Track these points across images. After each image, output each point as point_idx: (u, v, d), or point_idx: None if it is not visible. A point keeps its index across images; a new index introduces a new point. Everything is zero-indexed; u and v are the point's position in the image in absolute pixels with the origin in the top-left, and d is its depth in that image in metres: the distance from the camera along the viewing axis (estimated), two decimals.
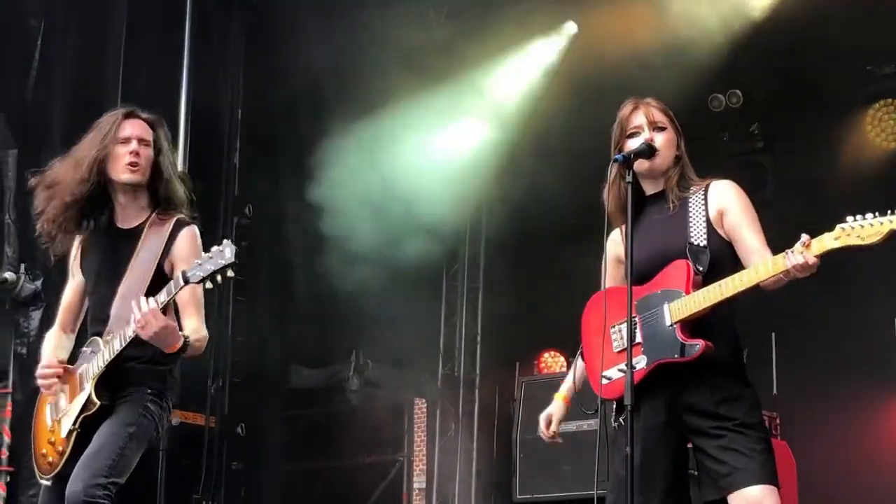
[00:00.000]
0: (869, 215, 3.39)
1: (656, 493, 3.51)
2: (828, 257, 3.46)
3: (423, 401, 10.16)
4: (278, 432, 9.77)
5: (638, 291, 3.68)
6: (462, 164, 9.08)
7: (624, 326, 3.61)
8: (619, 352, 3.68)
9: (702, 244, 3.69)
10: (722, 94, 9.49)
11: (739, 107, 9.48)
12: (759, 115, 9.76)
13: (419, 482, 9.97)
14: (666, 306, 3.63)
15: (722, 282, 3.57)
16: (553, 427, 3.96)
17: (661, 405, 3.60)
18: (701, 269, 3.64)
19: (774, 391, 9.63)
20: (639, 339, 3.64)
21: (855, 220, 3.41)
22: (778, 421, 8.91)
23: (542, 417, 4.00)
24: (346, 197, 8.57)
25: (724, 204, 3.74)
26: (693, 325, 3.62)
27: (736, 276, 3.56)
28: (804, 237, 3.44)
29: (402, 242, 8.57)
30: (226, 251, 3.73)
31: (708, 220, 3.72)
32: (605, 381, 3.65)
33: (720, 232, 3.73)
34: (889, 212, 3.38)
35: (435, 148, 9.00)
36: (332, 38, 8.60)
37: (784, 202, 8.58)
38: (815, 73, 8.95)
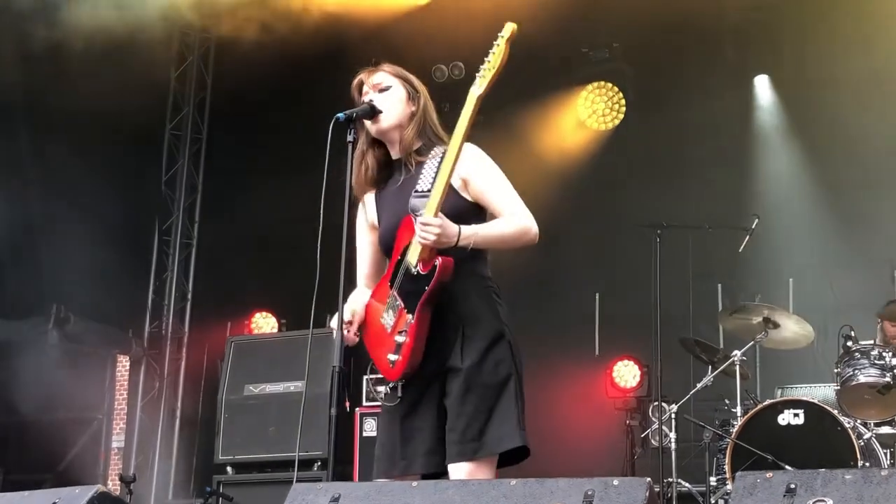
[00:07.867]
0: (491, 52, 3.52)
1: (418, 456, 3.47)
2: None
3: (126, 358, 9.82)
4: None
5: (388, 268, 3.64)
6: None
7: (391, 310, 3.58)
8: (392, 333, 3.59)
9: (426, 189, 3.61)
10: (445, 65, 9.61)
11: (462, 78, 9.62)
12: None
13: (118, 441, 9.64)
14: (406, 260, 3.55)
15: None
16: (354, 327, 3.64)
17: (425, 369, 3.52)
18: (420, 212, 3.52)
19: None
20: (402, 304, 3.55)
21: (479, 70, 3.53)
22: None
23: (348, 311, 3.62)
24: None
25: (468, 172, 3.65)
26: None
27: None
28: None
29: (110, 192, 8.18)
30: None
31: (451, 186, 3.57)
32: (391, 365, 3.55)
33: (466, 196, 3.66)
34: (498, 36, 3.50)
35: None
36: None
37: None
38: (534, 52, 9.20)
